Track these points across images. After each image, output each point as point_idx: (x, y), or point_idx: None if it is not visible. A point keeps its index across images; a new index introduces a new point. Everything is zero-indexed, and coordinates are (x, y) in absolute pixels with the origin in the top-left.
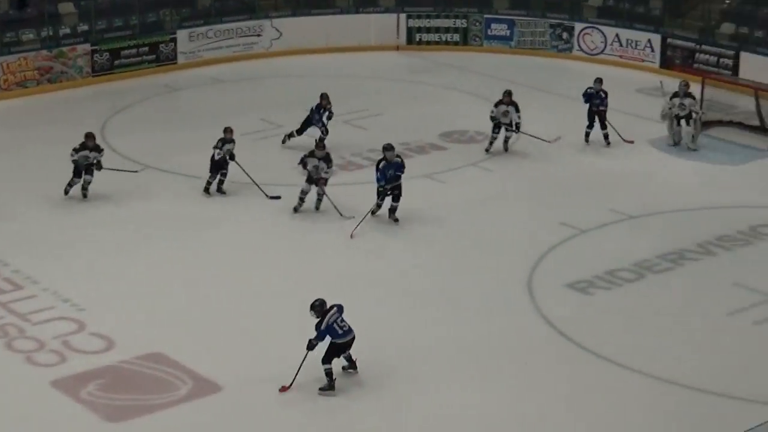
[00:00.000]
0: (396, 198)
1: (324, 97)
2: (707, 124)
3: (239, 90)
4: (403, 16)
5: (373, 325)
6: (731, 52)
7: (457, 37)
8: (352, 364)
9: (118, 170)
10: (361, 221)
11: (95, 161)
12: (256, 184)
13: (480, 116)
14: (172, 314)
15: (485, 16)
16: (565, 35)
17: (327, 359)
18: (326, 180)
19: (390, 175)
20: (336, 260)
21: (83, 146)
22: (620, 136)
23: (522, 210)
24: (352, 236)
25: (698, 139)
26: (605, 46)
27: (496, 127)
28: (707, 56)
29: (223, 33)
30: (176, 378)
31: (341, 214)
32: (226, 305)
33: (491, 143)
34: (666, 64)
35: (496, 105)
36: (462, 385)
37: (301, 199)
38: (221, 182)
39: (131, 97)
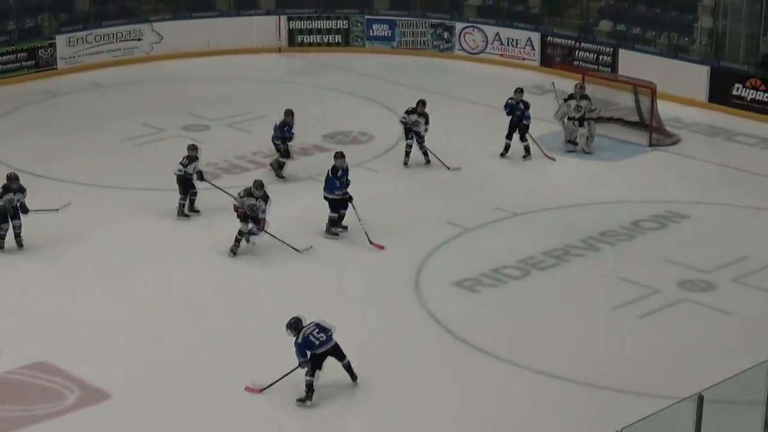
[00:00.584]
0: (345, 205)
1: (288, 113)
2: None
3: (120, 94)
4: (284, 18)
5: (266, 326)
6: (609, 50)
7: (338, 38)
8: (351, 374)
9: (42, 211)
10: (366, 234)
11: (19, 203)
12: (228, 193)
13: (363, 117)
14: (57, 322)
15: (366, 16)
16: (446, 35)
17: (309, 371)
18: (265, 220)
19: (346, 182)
20: (229, 265)
21: (6, 189)
22: (543, 152)
23: (407, 210)
24: (378, 246)
25: (593, 142)
26: (486, 45)
27: (407, 132)
28: (586, 54)
29: (102, 37)
30: (63, 387)
31: (298, 250)
32: (110, 311)
33: (408, 154)
34: (546, 62)
35: (408, 113)
36: (350, 386)
37: (238, 240)
38: (192, 201)
39: (11, 103)
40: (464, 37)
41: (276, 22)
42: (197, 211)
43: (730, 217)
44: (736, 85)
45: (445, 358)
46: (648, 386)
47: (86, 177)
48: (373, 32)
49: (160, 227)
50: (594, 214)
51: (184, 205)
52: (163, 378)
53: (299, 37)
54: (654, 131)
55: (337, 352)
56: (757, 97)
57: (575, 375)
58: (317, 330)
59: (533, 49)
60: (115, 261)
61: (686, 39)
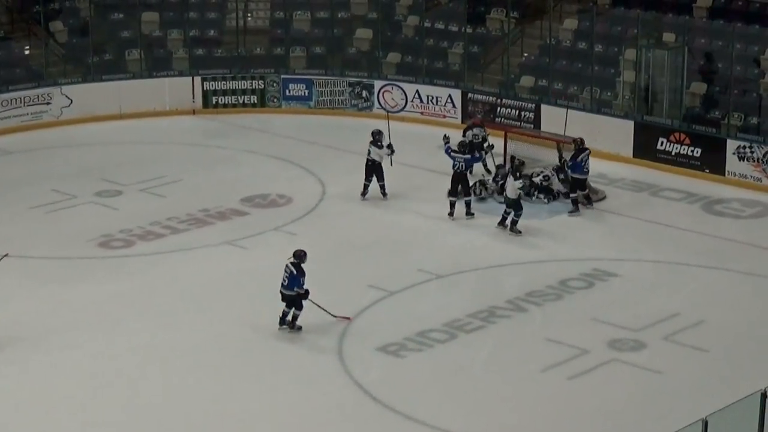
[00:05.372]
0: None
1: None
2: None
3: (29, 161)
4: (198, 78)
5: (176, 396)
6: (531, 105)
7: (254, 98)
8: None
9: None
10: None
11: None
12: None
13: (281, 179)
14: None
15: (282, 76)
16: (364, 93)
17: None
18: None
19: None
20: (137, 333)
21: None
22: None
23: (329, 274)
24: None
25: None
26: (406, 103)
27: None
28: (508, 110)
29: (9, 102)
30: None
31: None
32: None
33: (366, 188)
34: (468, 119)
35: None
36: None
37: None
38: None
39: None
40: (383, 95)
41: (190, 83)
42: None
43: (658, 273)
44: (661, 140)
45: (369, 425)
46: None
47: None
48: (289, 92)
49: (71, 296)
50: (519, 274)
51: None
52: None
53: (214, 98)
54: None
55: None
56: (682, 152)
57: None
58: (288, 273)
59: (454, 106)
60: (22, 331)
61: (609, 93)
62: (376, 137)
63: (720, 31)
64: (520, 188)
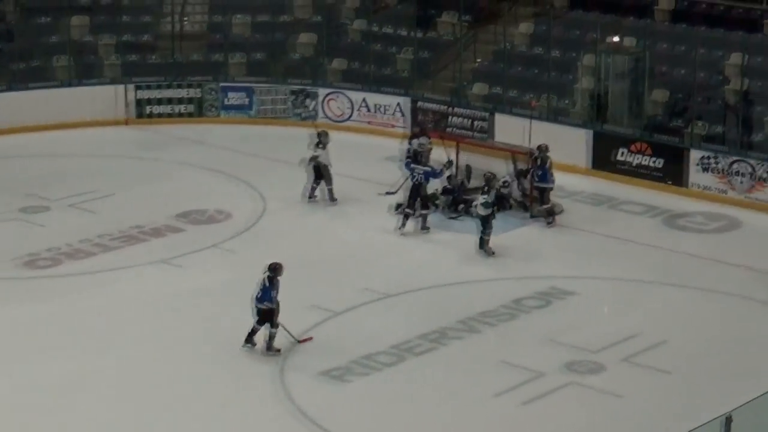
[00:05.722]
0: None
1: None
2: (469, 192)
3: None
4: (130, 87)
5: (107, 427)
6: (485, 114)
7: (191, 108)
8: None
9: None
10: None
11: None
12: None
13: (220, 193)
14: None
15: (221, 84)
16: (308, 102)
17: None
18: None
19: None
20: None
21: None
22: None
23: None
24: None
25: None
26: (352, 112)
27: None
28: (460, 119)
29: None
30: None
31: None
32: None
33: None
34: (415, 127)
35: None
36: None
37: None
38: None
39: None
40: (328, 103)
41: (122, 91)
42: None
43: (618, 292)
44: (621, 150)
45: None
46: None
47: None
48: (228, 101)
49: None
50: (472, 293)
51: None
52: None
53: (148, 107)
54: (535, 201)
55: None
56: (643, 162)
57: None
58: (262, 286)
59: (403, 115)
60: None
61: (566, 101)
62: (322, 138)
63: (682, 36)
64: (482, 203)
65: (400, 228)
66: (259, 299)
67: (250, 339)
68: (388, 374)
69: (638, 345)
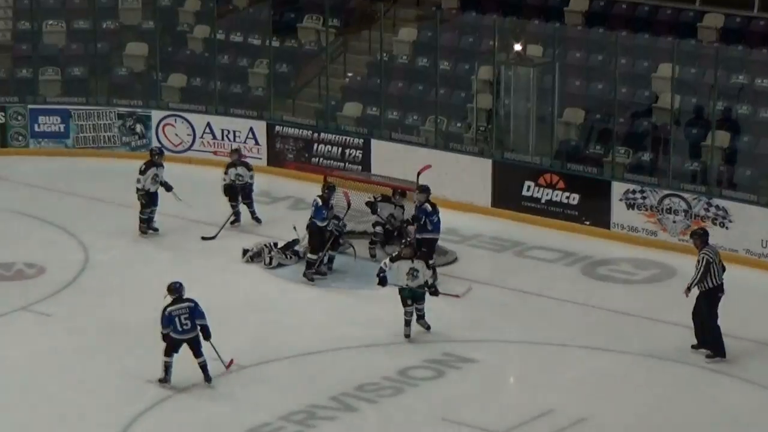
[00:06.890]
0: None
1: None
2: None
3: None
4: None
5: None
6: (359, 141)
7: None
8: (205, 374)
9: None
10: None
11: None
12: None
13: (30, 242)
14: None
15: (30, 106)
16: (139, 128)
17: (166, 352)
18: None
19: None
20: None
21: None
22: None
23: (92, 366)
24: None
25: None
26: (194, 140)
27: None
28: (328, 147)
29: None
30: None
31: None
32: None
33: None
34: (275, 160)
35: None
36: None
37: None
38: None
39: None
40: (164, 129)
41: None
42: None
43: (527, 358)
44: (527, 184)
45: None
46: None
47: None
48: (39, 127)
49: None
50: (347, 362)
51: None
52: None
53: None
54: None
55: (195, 347)
56: (555, 198)
57: None
58: (186, 316)
59: (257, 143)
60: None
61: (458, 125)
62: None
63: (599, 43)
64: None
65: (313, 276)
66: (188, 330)
67: (165, 379)
68: None
69: (553, 424)
